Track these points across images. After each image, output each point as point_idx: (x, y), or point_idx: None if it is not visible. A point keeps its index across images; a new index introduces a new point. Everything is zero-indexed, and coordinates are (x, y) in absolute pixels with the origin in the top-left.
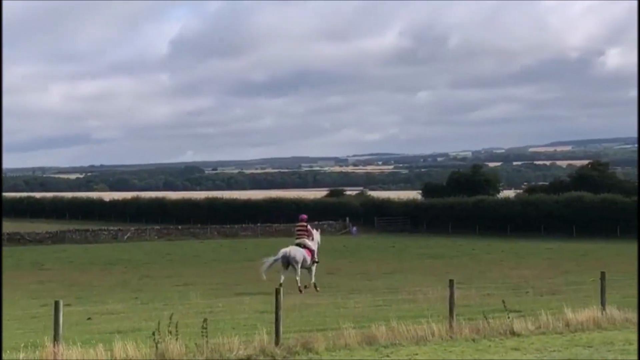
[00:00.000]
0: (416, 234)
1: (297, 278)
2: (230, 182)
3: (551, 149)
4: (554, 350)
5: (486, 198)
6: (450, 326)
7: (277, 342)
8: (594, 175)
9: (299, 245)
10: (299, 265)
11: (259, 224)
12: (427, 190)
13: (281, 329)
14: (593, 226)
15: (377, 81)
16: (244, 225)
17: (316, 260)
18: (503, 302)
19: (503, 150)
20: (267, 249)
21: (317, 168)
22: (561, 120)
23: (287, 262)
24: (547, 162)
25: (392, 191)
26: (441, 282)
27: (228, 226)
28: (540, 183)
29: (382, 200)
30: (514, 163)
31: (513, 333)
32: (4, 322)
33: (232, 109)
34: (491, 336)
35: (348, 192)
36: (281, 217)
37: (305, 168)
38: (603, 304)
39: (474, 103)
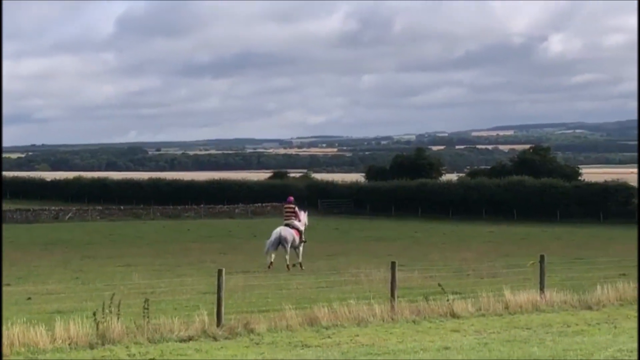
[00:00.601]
0: (360, 216)
1: (286, 257)
2: (174, 163)
3: (494, 133)
4: (493, 332)
5: (429, 181)
6: (392, 308)
7: (218, 323)
8: (535, 160)
9: (287, 225)
10: (289, 245)
11: (202, 205)
12: (371, 173)
13: (223, 310)
14: (534, 210)
15: (322, 64)
16: (187, 206)
17: (304, 240)
18: (439, 284)
19: (446, 134)
20: (209, 230)
21: (262, 150)
22: (504, 105)
23: (279, 242)
24: (490, 147)
25: (336, 174)
26: (383, 264)
27: (171, 207)
28: (483, 167)
29: (326, 183)
30: (457, 147)
31: (453, 315)
32: None
33: (176, 89)
34: (432, 318)
35: (292, 175)
36: (224, 199)
37: (249, 150)
38: (542, 286)
39: (418, 87)
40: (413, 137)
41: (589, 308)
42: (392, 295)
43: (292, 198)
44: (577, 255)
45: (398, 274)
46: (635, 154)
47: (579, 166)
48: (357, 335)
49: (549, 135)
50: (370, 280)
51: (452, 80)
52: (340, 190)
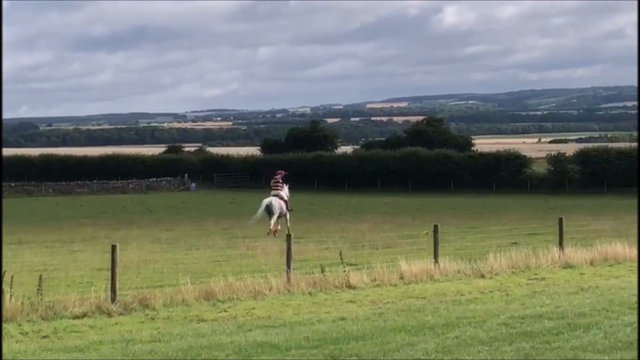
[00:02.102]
0: (255, 189)
1: (272, 222)
2: (66, 139)
3: (388, 105)
4: (388, 302)
5: (324, 154)
6: (288, 280)
7: (113, 299)
8: (429, 131)
9: (275, 196)
10: (277, 213)
11: (95, 181)
12: (267, 147)
13: (117, 286)
14: (428, 181)
15: (218, 37)
16: (80, 182)
17: (290, 208)
18: (340, 254)
19: (341, 107)
20: (103, 205)
21: (156, 124)
22: (398, 77)
23: (269, 210)
24: (384, 118)
25: (232, 147)
26: (279, 237)
27: (64, 183)
28: (378, 139)
29: (221, 157)
30: (352, 119)
31: (349, 286)
32: None
33: (69, 63)
34: (328, 289)
35: (187, 149)
36: (118, 174)
37: (143, 124)
38: (436, 256)
39: (313, 60)
40: (308, 110)
41: (482, 276)
42: (288, 267)
43: (281, 172)
44: (470, 224)
45: (294, 247)
46: (525, 124)
47: (472, 137)
48: (254, 308)
49: (442, 107)
50: (267, 253)
51: (347, 52)
52: (235, 164)
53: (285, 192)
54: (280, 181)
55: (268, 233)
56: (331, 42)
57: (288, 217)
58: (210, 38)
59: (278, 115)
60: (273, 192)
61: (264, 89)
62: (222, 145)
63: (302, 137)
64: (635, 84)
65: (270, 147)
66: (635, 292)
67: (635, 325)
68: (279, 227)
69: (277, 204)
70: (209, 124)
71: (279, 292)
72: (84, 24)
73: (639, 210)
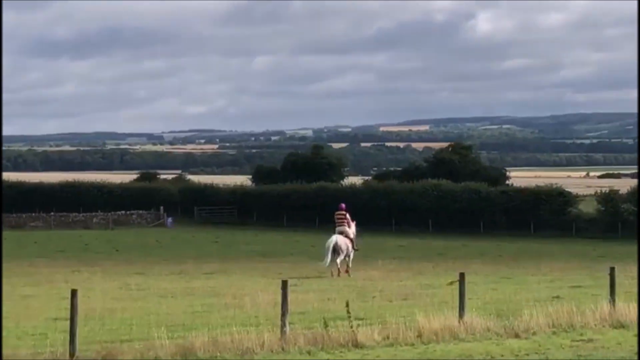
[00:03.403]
0: (245, 226)
1: (338, 261)
2: (18, 162)
3: (405, 128)
4: None
5: (329, 185)
6: (282, 335)
7: (72, 355)
8: (454, 160)
9: (340, 233)
10: (344, 254)
11: (52, 213)
12: (259, 175)
13: (77, 340)
14: (453, 220)
15: (205, 43)
16: (34, 214)
17: (356, 248)
18: (347, 305)
19: (350, 129)
20: (61, 242)
21: (126, 146)
22: (419, 94)
23: (335, 249)
24: (401, 144)
25: (217, 175)
26: (273, 284)
27: (14, 215)
28: (393, 168)
29: (204, 186)
30: (362, 144)
31: (356, 344)
32: None
33: (26, 72)
34: (330, 348)
35: (163, 176)
36: (80, 205)
37: (111, 146)
38: (461, 310)
39: (318, 72)
40: (310, 133)
41: (517, 336)
42: (283, 320)
43: (343, 205)
44: (503, 273)
45: (290, 296)
46: (571, 154)
47: (506, 168)
48: None
49: (471, 132)
50: (257, 303)
51: (358, 64)
52: (221, 195)
53: (352, 229)
54: (344, 215)
55: (336, 274)
56: (340, 52)
57: (351, 256)
58: (196, 44)
59: (274, 138)
60: (338, 229)
61: (258, 106)
62: (206, 173)
63: (302, 165)
64: None
65: (263, 175)
66: None
67: None
68: (350, 266)
69: (344, 243)
70: (190, 147)
71: (272, 350)
72: (46, 25)
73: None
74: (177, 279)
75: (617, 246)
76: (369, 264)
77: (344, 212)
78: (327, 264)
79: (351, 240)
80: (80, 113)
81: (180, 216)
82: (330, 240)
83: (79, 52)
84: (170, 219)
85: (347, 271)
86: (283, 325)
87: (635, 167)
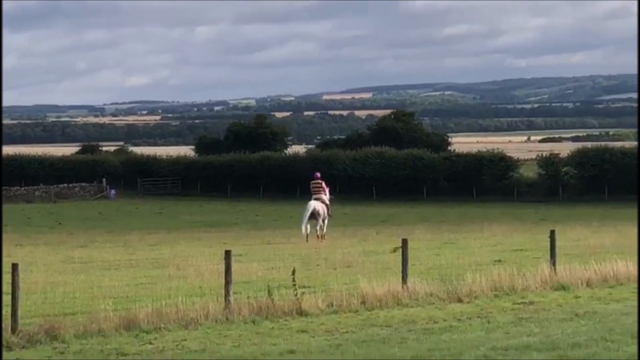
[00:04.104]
0: (188, 197)
1: (317, 228)
2: None
3: (348, 96)
4: (347, 331)
5: (272, 155)
6: (227, 306)
7: (14, 330)
8: (397, 127)
9: (317, 200)
10: (321, 218)
11: None
12: (202, 146)
13: (19, 314)
14: (396, 187)
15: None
16: None
17: (330, 214)
18: (293, 274)
19: (293, 98)
20: (3, 216)
21: (67, 119)
22: (361, 62)
23: (313, 215)
24: (344, 112)
25: (160, 147)
26: (217, 254)
27: None
28: (336, 137)
29: (147, 158)
30: (306, 113)
31: (301, 312)
32: None
33: None
34: (275, 316)
35: (105, 148)
36: (22, 179)
37: (52, 119)
38: (404, 277)
39: (260, 41)
40: (253, 102)
41: (459, 300)
42: (227, 291)
43: (319, 174)
44: (446, 239)
45: (234, 266)
46: (512, 119)
47: (449, 134)
48: (185, 340)
49: (413, 99)
50: (201, 274)
51: (301, 33)
52: (164, 166)
53: (326, 196)
54: (320, 184)
55: (313, 239)
56: (282, 21)
57: (326, 222)
58: (137, 15)
59: (217, 108)
60: (315, 196)
61: (201, 77)
62: (149, 144)
63: (246, 135)
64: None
65: (206, 146)
66: None
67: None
68: (325, 231)
69: (321, 208)
70: (132, 119)
71: (216, 320)
72: None
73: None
74: (120, 251)
75: (557, 209)
76: (312, 232)
77: (319, 181)
78: (303, 230)
79: (327, 206)
80: (20, 86)
81: (124, 188)
82: (308, 205)
83: (17, 23)
84: (113, 191)
85: (322, 237)
86: (227, 295)
87: (576, 130)
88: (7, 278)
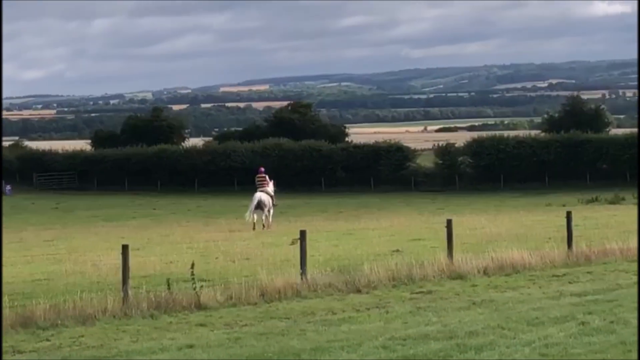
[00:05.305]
0: (85, 192)
1: (263, 217)
2: None
3: (246, 88)
4: (246, 324)
5: (169, 147)
6: (125, 301)
7: None
8: (294, 119)
9: (262, 192)
10: (267, 208)
11: None
12: (98, 140)
13: None
14: (295, 178)
15: (43, 6)
16: None
17: (275, 203)
18: (192, 268)
19: (189, 91)
20: None
21: None
22: (258, 54)
23: (259, 205)
24: (242, 105)
25: (56, 141)
26: (115, 248)
27: None
28: (234, 129)
29: (42, 153)
30: (203, 105)
31: (199, 306)
32: None
33: None
34: (174, 310)
35: None
36: None
37: None
38: (303, 268)
39: (157, 34)
40: (149, 95)
41: (358, 291)
42: (125, 285)
43: (262, 169)
44: (344, 229)
45: (132, 260)
46: (408, 110)
47: (346, 125)
48: (82, 336)
49: (310, 90)
50: (99, 269)
51: (198, 25)
52: (60, 161)
53: (271, 188)
54: (264, 177)
55: (259, 227)
56: (179, 13)
57: (271, 212)
58: (33, 7)
59: (113, 101)
60: (260, 189)
61: (97, 70)
62: (44, 139)
63: (142, 128)
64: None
65: (102, 140)
66: (535, 305)
67: (535, 344)
68: (270, 220)
69: (267, 199)
70: (27, 113)
71: (114, 316)
72: None
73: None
74: (16, 248)
75: (454, 198)
76: (211, 224)
77: (263, 175)
78: (248, 219)
79: (271, 197)
80: None
81: (19, 183)
82: (255, 196)
83: None
84: (8, 187)
85: (268, 225)
86: (125, 290)
87: (472, 119)
88: None
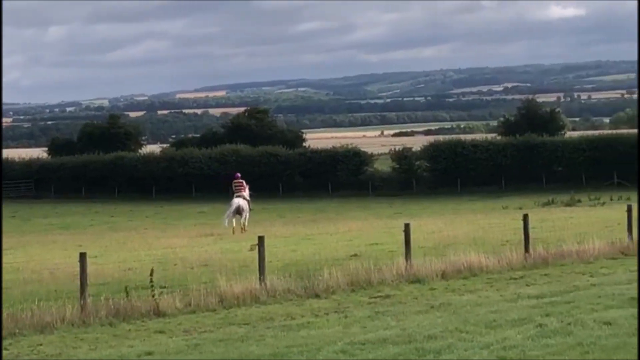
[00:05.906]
0: (42, 200)
1: (242, 221)
2: None
3: (202, 94)
4: (205, 331)
5: (126, 154)
6: (83, 309)
7: None
8: (251, 125)
9: (239, 197)
10: (246, 213)
11: None
12: (55, 147)
13: None
14: (252, 184)
15: None
16: None
17: (251, 208)
18: (150, 275)
19: (146, 97)
20: None
21: None
22: (215, 60)
23: (238, 210)
24: (198, 111)
25: (12, 149)
26: (72, 256)
27: None
28: (191, 135)
29: None
30: (160, 112)
31: (158, 313)
32: None
33: None
34: (132, 318)
35: None
36: None
37: None
38: (262, 274)
39: (113, 41)
40: (106, 102)
41: (317, 296)
42: (83, 293)
43: (239, 174)
44: (302, 234)
45: (90, 268)
46: (365, 114)
47: (303, 130)
48: (41, 345)
49: (267, 95)
50: (56, 277)
51: (154, 31)
52: (17, 169)
53: (247, 193)
54: (242, 183)
55: (238, 231)
56: (135, 20)
57: (247, 216)
58: None
59: (69, 109)
60: (237, 194)
61: (53, 77)
62: None
63: (99, 135)
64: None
65: (59, 147)
66: (493, 308)
67: (493, 347)
68: (247, 224)
69: (244, 204)
70: None
71: (72, 324)
72: None
73: None
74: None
75: (412, 203)
76: (169, 231)
77: (241, 180)
78: (227, 224)
79: (248, 201)
80: None
81: None
82: (233, 202)
83: None
84: None
85: (244, 228)
86: (83, 298)
87: (428, 123)
88: None
